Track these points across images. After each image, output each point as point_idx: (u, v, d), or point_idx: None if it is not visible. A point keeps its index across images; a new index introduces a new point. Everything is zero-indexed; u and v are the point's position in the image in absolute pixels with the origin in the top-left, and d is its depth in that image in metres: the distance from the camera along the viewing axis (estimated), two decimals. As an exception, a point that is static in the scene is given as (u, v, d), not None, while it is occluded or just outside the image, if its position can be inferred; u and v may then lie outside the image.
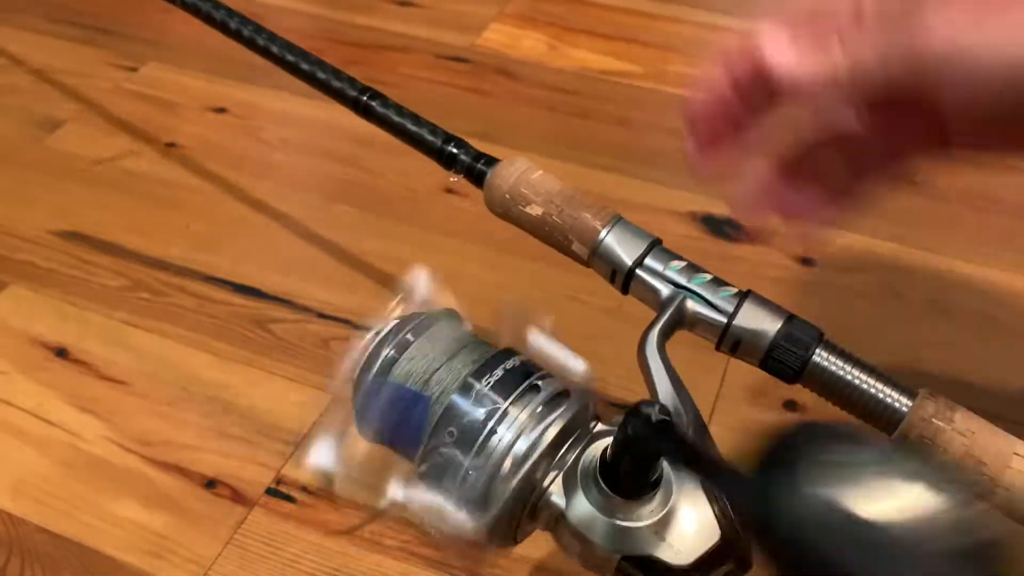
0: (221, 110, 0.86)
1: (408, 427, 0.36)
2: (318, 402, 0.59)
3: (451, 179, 0.49)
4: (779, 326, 0.40)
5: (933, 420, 0.36)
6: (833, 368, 0.39)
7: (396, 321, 0.38)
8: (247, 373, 0.61)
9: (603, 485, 0.33)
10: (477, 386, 0.36)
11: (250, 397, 0.59)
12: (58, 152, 0.81)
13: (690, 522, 0.33)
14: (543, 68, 0.95)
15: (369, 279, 0.69)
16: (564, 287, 0.67)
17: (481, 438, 0.34)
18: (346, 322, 0.65)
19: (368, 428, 0.37)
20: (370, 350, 0.37)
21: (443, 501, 0.34)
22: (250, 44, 0.55)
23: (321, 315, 0.65)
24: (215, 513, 0.53)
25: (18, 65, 0.93)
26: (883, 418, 0.37)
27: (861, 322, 0.65)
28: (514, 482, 0.33)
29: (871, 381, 0.38)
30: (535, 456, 0.33)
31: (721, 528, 0.33)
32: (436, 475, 0.35)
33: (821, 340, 0.40)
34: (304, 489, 0.54)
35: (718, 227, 0.74)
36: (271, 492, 0.54)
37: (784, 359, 0.39)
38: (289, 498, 0.54)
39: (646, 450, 0.32)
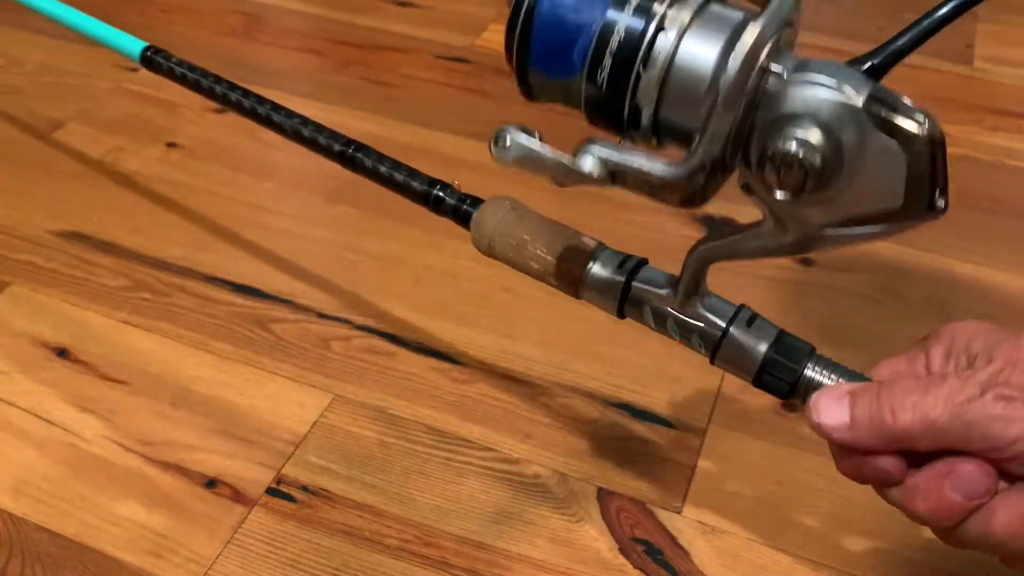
0: (221, 110, 0.86)
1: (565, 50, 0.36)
2: (318, 402, 0.59)
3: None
4: (770, 343, 0.40)
5: None
6: (827, 383, 0.39)
7: None
8: (247, 373, 0.61)
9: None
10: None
11: (250, 397, 0.60)
12: (58, 152, 0.81)
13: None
14: (543, 68, 0.95)
15: (369, 279, 0.69)
16: (564, 287, 0.67)
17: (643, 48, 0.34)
18: (346, 322, 0.65)
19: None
20: None
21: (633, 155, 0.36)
22: (238, 108, 0.57)
23: (321, 315, 0.66)
24: (215, 513, 0.53)
25: (18, 65, 0.93)
26: None
27: (861, 322, 0.66)
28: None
29: None
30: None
31: None
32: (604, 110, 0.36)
33: (812, 355, 0.40)
34: (304, 489, 0.54)
35: (717, 227, 0.74)
36: (271, 492, 0.54)
37: (777, 375, 0.40)
38: (289, 498, 0.54)
39: None
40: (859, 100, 0.32)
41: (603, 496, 0.54)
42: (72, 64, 0.93)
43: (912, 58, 0.33)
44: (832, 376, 0.40)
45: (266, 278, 0.68)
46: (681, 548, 0.51)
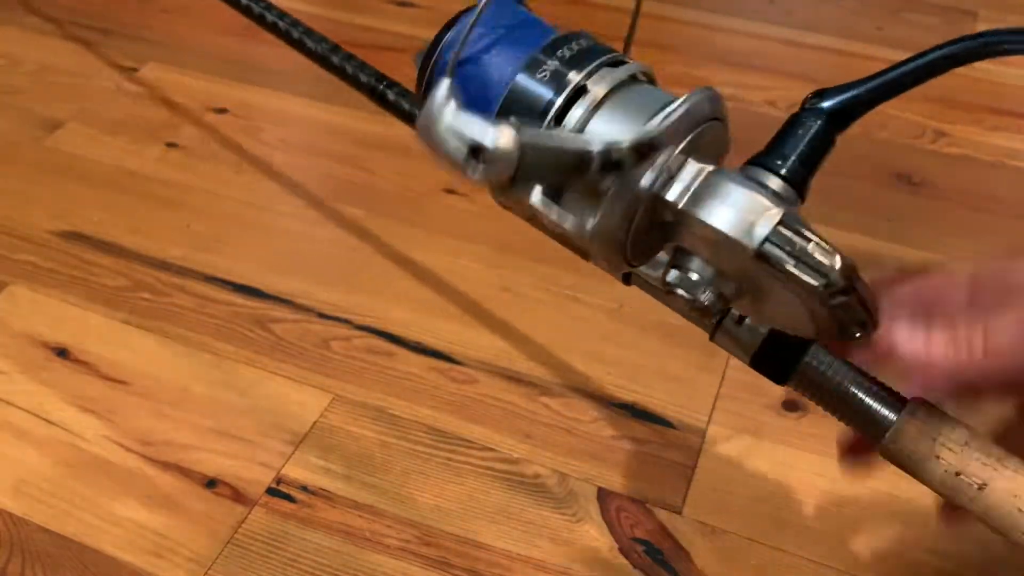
0: (221, 110, 0.86)
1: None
2: (318, 402, 0.59)
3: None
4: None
5: (921, 432, 0.36)
6: (824, 371, 0.39)
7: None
8: (248, 373, 0.61)
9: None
10: (546, 62, 0.31)
11: (250, 397, 0.60)
12: (58, 152, 0.81)
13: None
14: (543, 68, 0.95)
15: (369, 279, 0.69)
16: (564, 287, 0.67)
17: (548, 120, 0.30)
18: (346, 322, 0.65)
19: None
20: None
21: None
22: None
23: (321, 315, 0.66)
24: (215, 513, 0.53)
25: (18, 65, 0.93)
26: (872, 426, 0.37)
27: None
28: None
29: (862, 387, 0.37)
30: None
31: None
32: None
33: (814, 342, 0.39)
34: (304, 489, 0.54)
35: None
36: (271, 492, 0.54)
37: (774, 359, 0.39)
38: (289, 498, 0.54)
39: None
40: (755, 243, 0.29)
41: (603, 496, 0.54)
42: (72, 64, 0.92)
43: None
44: (831, 365, 0.39)
45: (266, 278, 0.68)
46: (681, 548, 0.51)
